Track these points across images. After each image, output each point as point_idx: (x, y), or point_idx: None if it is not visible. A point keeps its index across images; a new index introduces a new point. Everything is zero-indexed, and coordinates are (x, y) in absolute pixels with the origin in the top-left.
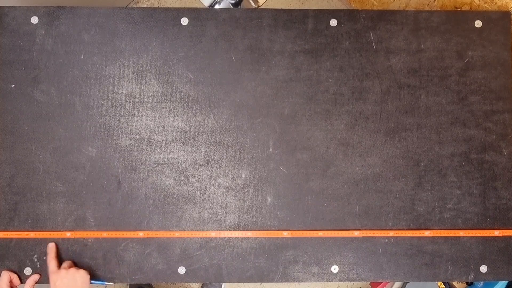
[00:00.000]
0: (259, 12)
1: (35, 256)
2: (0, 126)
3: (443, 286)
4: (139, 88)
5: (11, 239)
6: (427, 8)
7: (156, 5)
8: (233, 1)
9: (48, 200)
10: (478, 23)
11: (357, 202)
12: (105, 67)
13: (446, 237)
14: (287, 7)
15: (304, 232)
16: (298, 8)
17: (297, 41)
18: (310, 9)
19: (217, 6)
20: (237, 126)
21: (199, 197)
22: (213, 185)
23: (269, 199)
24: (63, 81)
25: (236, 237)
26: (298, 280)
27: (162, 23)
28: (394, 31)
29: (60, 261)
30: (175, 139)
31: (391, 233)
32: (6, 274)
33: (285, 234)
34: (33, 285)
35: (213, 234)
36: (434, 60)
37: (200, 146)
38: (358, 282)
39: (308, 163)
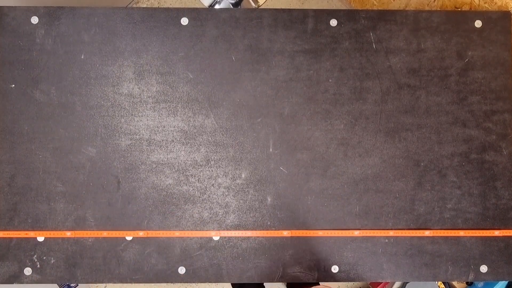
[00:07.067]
0: (259, 12)
1: (35, 256)
2: (0, 126)
3: (443, 286)
4: (139, 88)
5: (11, 239)
6: (427, 8)
7: (156, 5)
8: (233, 1)
9: (48, 200)
10: (478, 23)
11: (357, 202)
12: (105, 67)
13: (446, 237)
14: (287, 7)
15: (304, 232)
16: (298, 8)
17: (297, 41)
18: (310, 9)
19: (217, 6)
20: (237, 126)
21: (199, 197)
22: (213, 185)
23: (269, 199)
24: (63, 81)
25: (236, 237)
26: (298, 280)
27: (162, 23)
28: (394, 31)
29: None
30: (175, 139)
31: (391, 233)
32: None
33: (285, 234)
34: None
35: (213, 234)
36: (434, 60)
37: (200, 146)
38: (358, 282)
39: (308, 163)
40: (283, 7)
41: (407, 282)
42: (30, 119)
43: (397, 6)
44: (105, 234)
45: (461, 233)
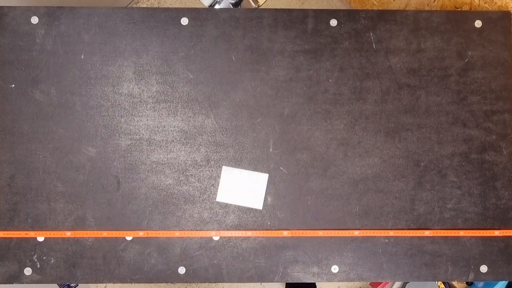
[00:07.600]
0: (259, 12)
1: (35, 256)
2: (0, 126)
3: (443, 286)
4: (139, 88)
5: (11, 239)
6: (427, 8)
7: (156, 5)
8: (233, 1)
9: (48, 200)
10: (478, 23)
11: (357, 202)
12: (105, 67)
13: (446, 237)
14: (287, 7)
15: (304, 232)
16: (298, 8)
17: (297, 41)
18: (310, 9)
19: (217, 6)
20: (237, 126)
21: (199, 197)
22: (213, 185)
23: (269, 199)
24: (63, 81)
25: (236, 237)
26: (298, 280)
27: (162, 23)
28: (394, 31)
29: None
30: (175, 139)
31: (391, 233)
32: None
33: (285, 234)
34: None
35: (213, 234)
36: (434, 60)
37: (200, 146)
38: (358, 282)
39: (308, 163)
40: (283, 7)
41: (407, 282)
42: (30, 119)
43: (397, 6)
44: (105, 234)
45: (461, 233)
